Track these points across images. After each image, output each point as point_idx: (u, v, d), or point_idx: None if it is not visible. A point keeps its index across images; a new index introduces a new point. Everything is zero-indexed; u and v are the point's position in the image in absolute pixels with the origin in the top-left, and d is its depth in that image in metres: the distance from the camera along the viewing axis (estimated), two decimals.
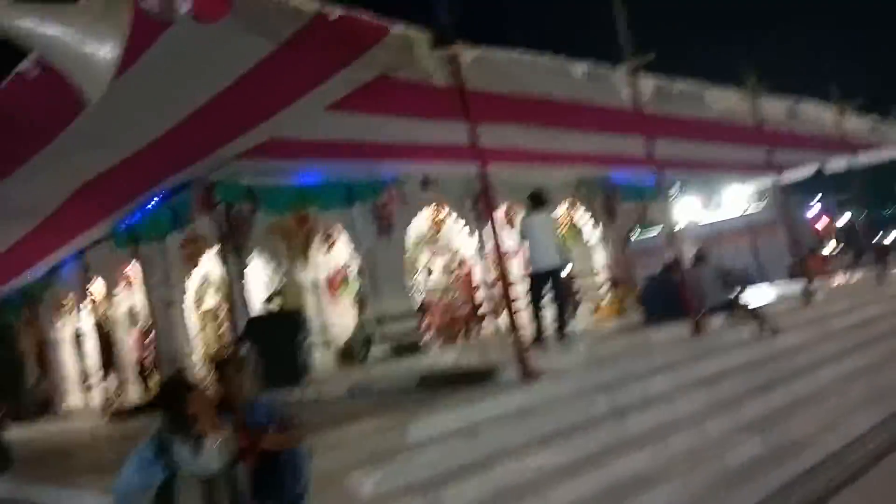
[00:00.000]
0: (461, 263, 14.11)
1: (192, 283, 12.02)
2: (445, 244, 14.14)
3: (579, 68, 7.32)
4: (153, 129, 7.20)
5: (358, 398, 6.96)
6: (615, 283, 13.40)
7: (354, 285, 14.11)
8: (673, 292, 8.95)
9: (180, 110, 6.92)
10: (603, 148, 11.36)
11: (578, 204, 15.11)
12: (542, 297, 8.14)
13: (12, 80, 5.15)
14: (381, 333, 11.44)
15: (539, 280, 8.03)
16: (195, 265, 11.31)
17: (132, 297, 13.41)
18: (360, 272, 11.85)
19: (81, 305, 14.51)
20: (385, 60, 6.23)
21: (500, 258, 6.99)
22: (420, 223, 12.80)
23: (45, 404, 16.48)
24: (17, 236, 10.36)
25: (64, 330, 15.87)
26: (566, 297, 8.64)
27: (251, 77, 6.16)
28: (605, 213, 15.36)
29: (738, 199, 20.17)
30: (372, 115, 8.00)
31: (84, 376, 16.23)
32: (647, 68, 8.22)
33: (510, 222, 14.04)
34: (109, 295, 13.29)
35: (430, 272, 14.24)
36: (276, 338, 9.37)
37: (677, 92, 8.56)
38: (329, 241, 12.36)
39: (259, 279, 12.59)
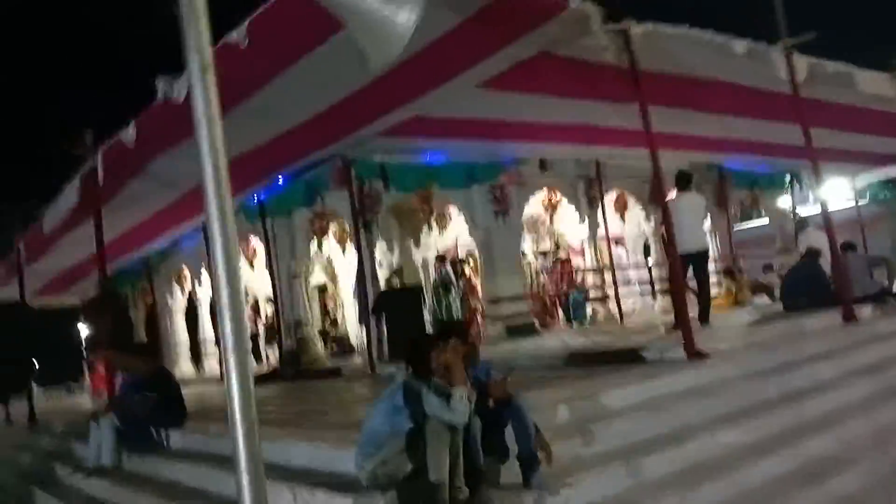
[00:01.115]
0: (561, 249, 13.98)
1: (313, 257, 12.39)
2: (548, 229, 14.09)
3: (740, 46, 7.16)
4: (316, 105, 7.42)
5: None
6: (729, 272, 13.10)
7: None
8: (817, 280, 8.74)
9: (348, 87, 7.12)
10: (738, 133, 11.06)
11: None
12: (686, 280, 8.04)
13: (221, 47, 5.35)
14: (495, 314, 11.55)
15: (685, 262, 7.91)
16: (321, 240, 11.62)
17: (249, 270, 13.91)
18: (477, 252, 11.94)
19: (200, 277, 15.16)
20: (557, 35, 6.25)
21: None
22: (534, 206, 12.78)
23: None
24: (159, 207, 10.86)
25: (179, 301, 16.59)
26: (709, 282, 8.48)
27: (424, 51, 6.28)
28: (717, 200, 14.99)
29: (839, 191, 19.36)
30: (519, 93, 8.03)
31: (194, 345, 17.00)
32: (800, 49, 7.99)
33: (623, 209, 13.99)
34: None
35: (536, 256, 14.25)
36: (404, 311, 9.64)
37: (831, 73, 8.26)
38: (444, 221, 12.50)
39: (375, 256, 12.90)
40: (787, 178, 16.54)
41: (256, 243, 13.16)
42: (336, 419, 5.66)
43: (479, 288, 12.53)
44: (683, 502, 4.18)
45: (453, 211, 11.94)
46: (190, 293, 16.69)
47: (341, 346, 13.65)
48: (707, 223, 12.13)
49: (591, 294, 13.30)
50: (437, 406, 3.51)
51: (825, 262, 10.63)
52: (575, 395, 4.81)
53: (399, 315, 9.59)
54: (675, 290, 8.07)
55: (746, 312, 10.05)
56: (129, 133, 6.99)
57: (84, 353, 19.84)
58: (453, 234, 12.94)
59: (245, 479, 2.18)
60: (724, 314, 9.83)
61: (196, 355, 16.81)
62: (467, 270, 12.86)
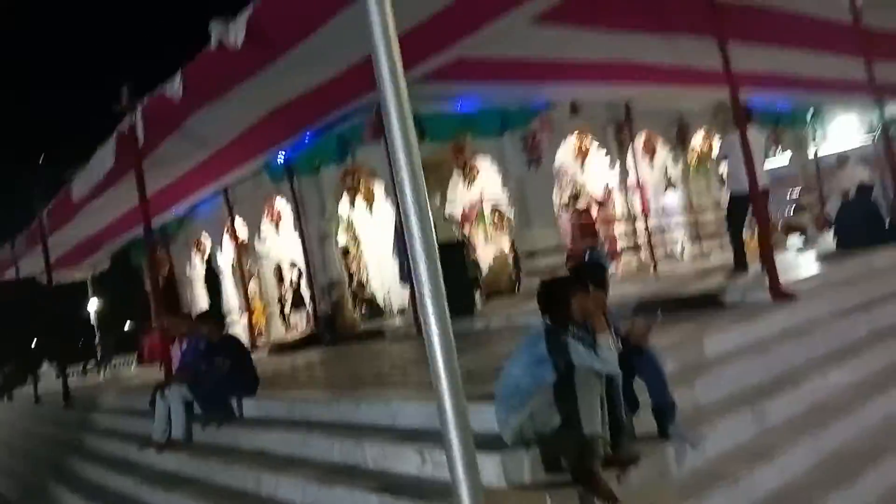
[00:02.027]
0: (582, 198, 13.67)
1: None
2: (569, 179, 13.75)
3: None
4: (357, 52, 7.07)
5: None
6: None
7: (488, 218, 14.08)
8: (874, 217, 8.55)
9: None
10: (784, 67, 10.74)
11: (714, 132, 14.44)
12: (745, 221, 7.84)
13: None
14: (531, 268, 11.34)
15: (744, 202, 7.68)
16: (354, 197, 11.30)
17: (275, 234, 13.62)
18: (510, 203, 11.66)
19: (222, 243, 14.86)
20: None
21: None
22: (563, 154, 12.46)
23: None
24: (185, 169, 10.52)
25: (198, 269, 16.30)
26: (770, 222, 8.26)
27: None
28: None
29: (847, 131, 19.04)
30: (570, 27, 7.70)
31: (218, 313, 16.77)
32: None
33: (651, 153, 13.71)
34: (254, 232, 13.50)
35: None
36: (449, 267, 9.38)
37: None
38: (471, 174, 12.15)
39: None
40: (810, 114, 16.27)
41: (282, 206, 12.84)
42: (422, 378, 5.46)
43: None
44: (818, 443, 4.05)
45: (484, 163, 11.62)
46: (208, 261, 16.41)
47: (371, 308, 13.47)
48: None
49: (622, 244, 13.03)
50: (586, 355, 3.31)
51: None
52: (673, 343, 4.61)
53: (444, 272, 9.34)
54: (736, 231, 7.93)
55: (798, 253, 9.88)
56: (175, 85, 6.63)
57: (98, 330, 19.53)
58: (479, 187, 12.64)
59: (455, 437, 2.03)
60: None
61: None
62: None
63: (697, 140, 14.37)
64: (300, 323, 13.96)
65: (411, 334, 9.03)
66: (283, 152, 11.21)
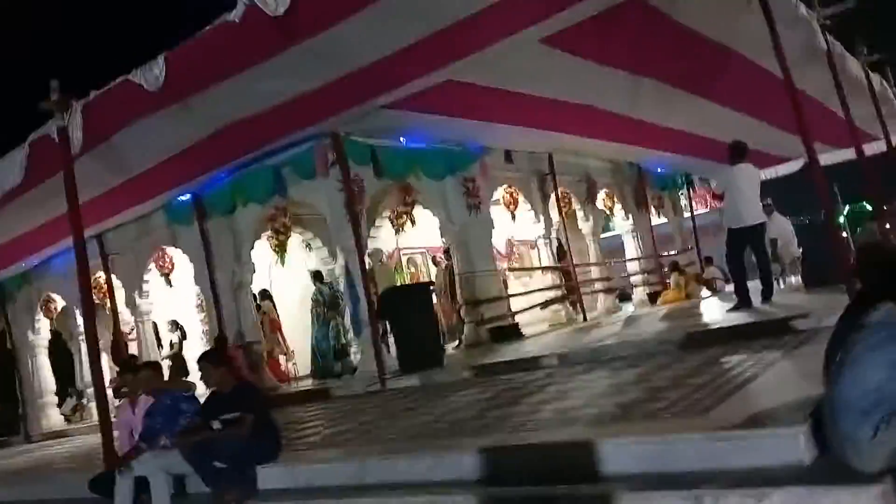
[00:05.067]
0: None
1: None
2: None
3: None
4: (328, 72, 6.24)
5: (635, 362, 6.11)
6: (675, 267, 13.33)
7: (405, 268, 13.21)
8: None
9: (395, 43, 6.02)
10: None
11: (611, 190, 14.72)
12: (743, 256, 7.71)
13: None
14: (476, 318, 10.54)
15: (741, 237, 7.55)
16: (283, 240, 9.83)
17: (162, 288, 11.61)
18: (453, 250, 10.87)
19: (79, 301, 12.39)
20: None
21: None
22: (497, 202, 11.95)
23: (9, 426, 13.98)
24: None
25: (43, 336, 13.49)
26: (769, 256, 8.20)
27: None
28: (636, 199, 15.21)
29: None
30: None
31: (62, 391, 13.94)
32: None
33: (563, 211, 13.43)
34: (133, 286, 11.39)
35: None
36: (414, 311, 8.33)
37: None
38: (404, 220, 11.20)
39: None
40: (681, 178, 17.32)
41: (176, 254, 11.00)
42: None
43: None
44: None
45: (425, 209, 10.75)
46: (55, 325, 13.68)
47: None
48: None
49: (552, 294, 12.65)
50: None
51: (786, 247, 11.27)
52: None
53: (408, 317, 8.25)
54: (737, 266, 7.73)
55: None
56: (155, 72, 5.20)
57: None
58: (405, 235, 11.77)
59: None
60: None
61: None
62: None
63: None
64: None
65: (374, 391, 7.77)
66: (189, 191, 9.63)
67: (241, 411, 4.39)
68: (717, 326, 6.55)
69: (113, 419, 5.74)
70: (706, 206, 19.90)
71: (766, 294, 7.64)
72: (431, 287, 9.77)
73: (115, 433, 5.63)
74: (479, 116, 9.41)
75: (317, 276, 10.84)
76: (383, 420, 5.60)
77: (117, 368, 7.76)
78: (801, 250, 11.48)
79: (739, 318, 6.85)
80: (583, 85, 8.81)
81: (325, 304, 10.56)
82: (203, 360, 4.55)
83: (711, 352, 5.61)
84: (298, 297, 11.92)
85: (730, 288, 14.30)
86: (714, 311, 9.09)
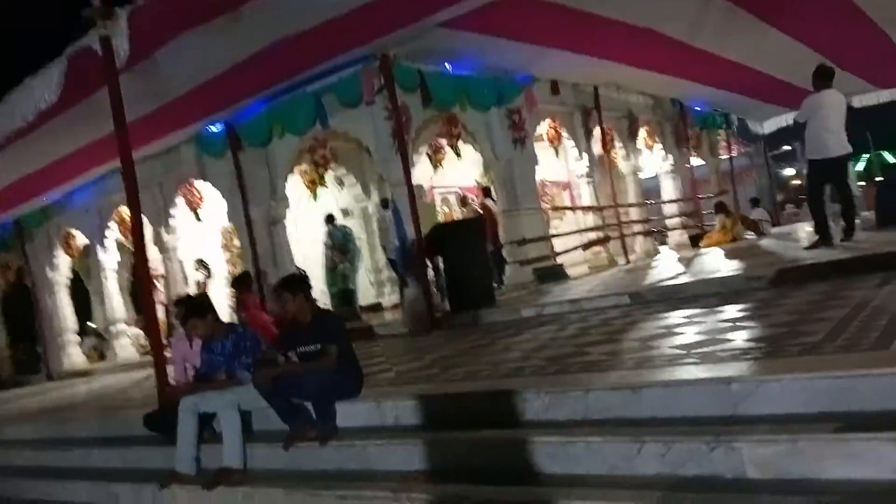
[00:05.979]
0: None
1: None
2: None
3: None
4: None
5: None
6: (722, 207, 12.79)
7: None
8: None
9: None
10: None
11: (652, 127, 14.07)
12: (825, 189, 7.18)
13: None
14: (521, 257, 10.06)
15: (825, 168, 6.98)
16: (322, 174, 9.28)
17: (191, 223, 11.13)
18: (497, 188, 10.33)
19: (102, 240, 11.97)
20: None
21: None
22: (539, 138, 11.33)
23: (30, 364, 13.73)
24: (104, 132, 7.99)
25: (62, 273, 13.07)
26: (853, 191, 7.65)
27: None
28: (677, 138, 14.60)
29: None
30: None
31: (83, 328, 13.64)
32: None
33: (606, 146, 12.84)
34: (159, 222, 10.89)
35: None
36: (466, 247, 7.86)
37: None
38: (441, 155, 10.62)
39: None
40: (721, 117, 16.58)
41: (205, 187, 10.50)
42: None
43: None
44: None
45: (469, 143, 10.14)
46: (73, 264, 13.27)
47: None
48: None
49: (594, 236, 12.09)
50: None
51: None
52: None
53: (460, 254, 7.78)
54: (817, 201, 7.21)
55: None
56: None
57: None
58: (445, 171, 11.16)
59: None
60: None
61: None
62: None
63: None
64: None
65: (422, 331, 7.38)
66: (223, 120, 9.04)
67: (322, 343, 3.96)
68: (813, 262, 6.04)
69: (167, 354, 5.34)
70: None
71: (848, 232, 7.11)
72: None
73: (169, 368, 5.23)
74: (530, 38, 8.78)
75: (329, 219, 10.51)
76: (464, 356, 5.16)
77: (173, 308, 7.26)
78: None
79: (831, 254, 6.35)
80: (647, 3, 8.18)
81: (335, 248, 10.23)
82: (282, 287, 4.09)
83: (816, 287, 5.15)
84: (322, 238, 11.43)
85: (776, 230, 13.99)
86: (782, 249, 8.60)
